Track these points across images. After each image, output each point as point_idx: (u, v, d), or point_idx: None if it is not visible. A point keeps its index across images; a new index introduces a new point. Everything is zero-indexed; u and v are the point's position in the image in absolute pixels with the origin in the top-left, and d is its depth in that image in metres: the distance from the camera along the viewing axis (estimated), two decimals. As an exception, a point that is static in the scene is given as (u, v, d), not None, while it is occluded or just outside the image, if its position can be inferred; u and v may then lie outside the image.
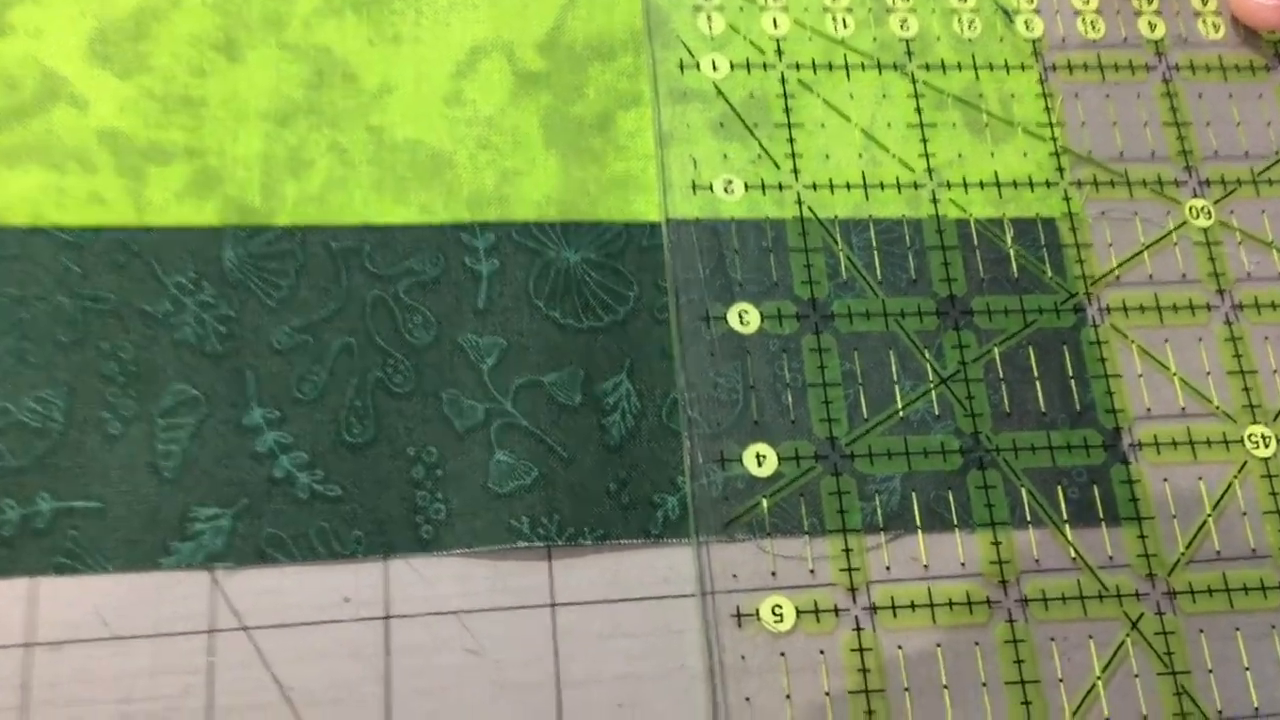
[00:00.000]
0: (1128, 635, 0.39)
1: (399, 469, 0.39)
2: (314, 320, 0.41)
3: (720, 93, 0.46)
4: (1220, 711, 0.39)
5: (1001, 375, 0.43)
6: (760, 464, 0.41)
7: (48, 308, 0.40)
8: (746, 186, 0.45)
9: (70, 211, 0.41)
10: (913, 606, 0.39)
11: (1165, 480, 0.41)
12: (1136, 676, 0.39)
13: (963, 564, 0.40)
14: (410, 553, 0.38)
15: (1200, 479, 0.42)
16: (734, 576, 0.39)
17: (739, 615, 0.39)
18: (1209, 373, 0.43)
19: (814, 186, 0.45)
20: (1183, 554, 0.41)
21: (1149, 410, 0.42)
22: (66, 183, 0.41)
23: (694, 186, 0.45)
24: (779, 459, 0.41)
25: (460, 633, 0.38)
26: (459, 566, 0.38)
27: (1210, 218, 0.47)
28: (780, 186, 0.45)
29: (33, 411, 0.38)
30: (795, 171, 0.45)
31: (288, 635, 0.37)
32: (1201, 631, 0.39)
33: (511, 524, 0.39)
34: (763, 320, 0.42)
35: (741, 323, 0.42)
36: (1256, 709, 0.39)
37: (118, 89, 0.43)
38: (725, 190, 0.45)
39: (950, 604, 0.39)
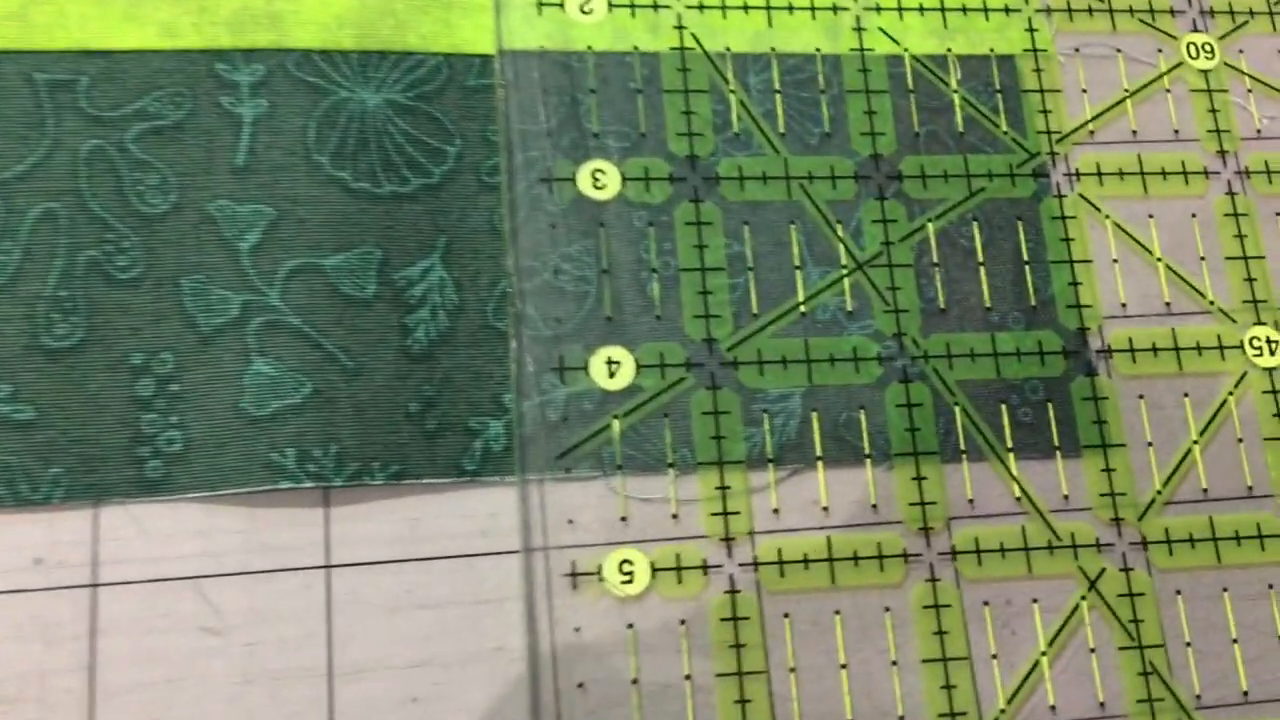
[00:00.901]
0: (1083, 598, 0.31)
1: (118, 383, 0.29)
2: (4, 179, 0.30)
3: (580, -120, 0.35)
4: (1199, 697, 0.31)
5: (936, 260, 0.33)
6: (612, 374, 0.31)
7: None
8: (610, 5, 0.34)
9: None
10: (806, 562, 0.30)
11: (1141, 398, 0.32)
12: (1093, 651, 0.30)
13: (874, 506, 0.31)
14: (130, 497, 0.29)
15: (1186, 396, 0.33)
16: (570, 524, 0.30)
17: (575, 575, 0.30)
18: (1204, 258, 0.34)
19: (700, 7, 0.34)
20: (1159, 493, 0.32)
21: (1124, 307, 0.33)
22: None
23: (539, 4, 0.33)
24: (637, 367, 0.31)
25: (197, 606, 0.28)
26: (198, 516, 0.29)
27: (1213, 58, 0.36)
28: (655, 6, 0.34)
29: None
30: (677, -13, 0.34)
31: (-45, 610, 0.27)
32: (1179, 593, 0.31)
33: (273, 458, 0.29)
34: (624, 184, 0.32)
35: (596, 187, 0.32)
36: (1245, 693, 0.31)
37: None
38: (581, 10, 0.34)
39: (855, 559, 0.30)
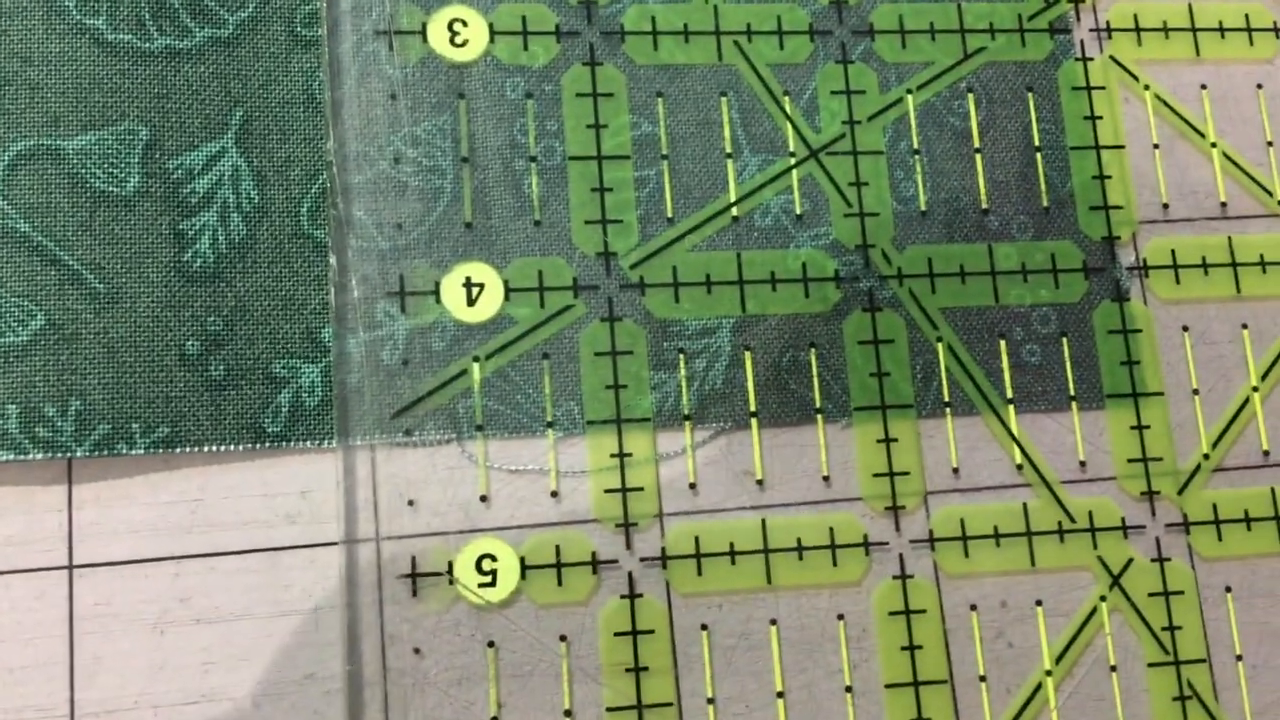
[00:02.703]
0: (1103, 599, 0.24)
1: None
2: None
3: None
4: (1250, 727, 0.23)
5: (917, 145, 0.25)
6: (473, 300, 0.23)
7: None
8: None
9: None
10: (733, 556, 0.23)
11: (1186, 330, 0.25)
12: (1114, 670, 0.24)
13: (826, 479, 0.23)
14: None
15: (1244, 328, 0.26)
16: (411, 505, 0.22)
17: (415, 575, 0.22)
18: (1271, 143, 0.26)
19: None
20: (1206, 457, 0.25)
21: (1166, 209, 0.26)
22: None
23: None
24: (506, 291, 0.23)
25: (-120, 623, 0.21)
26: None
27: (1292, -126, 0.28)
28: None
29: None
30: None
31: None
32: (1229, 591, 0.24)
33: (-12, 418, 0.21)
34: (493, 39, 0.24)
35: (455, 44, 0.24)
36: (1311, 723, 0.23)
37: None
38: None
39: (799, 549, 0.23)
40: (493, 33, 0.25)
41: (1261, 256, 0.26)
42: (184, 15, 0.24)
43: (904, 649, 0.24)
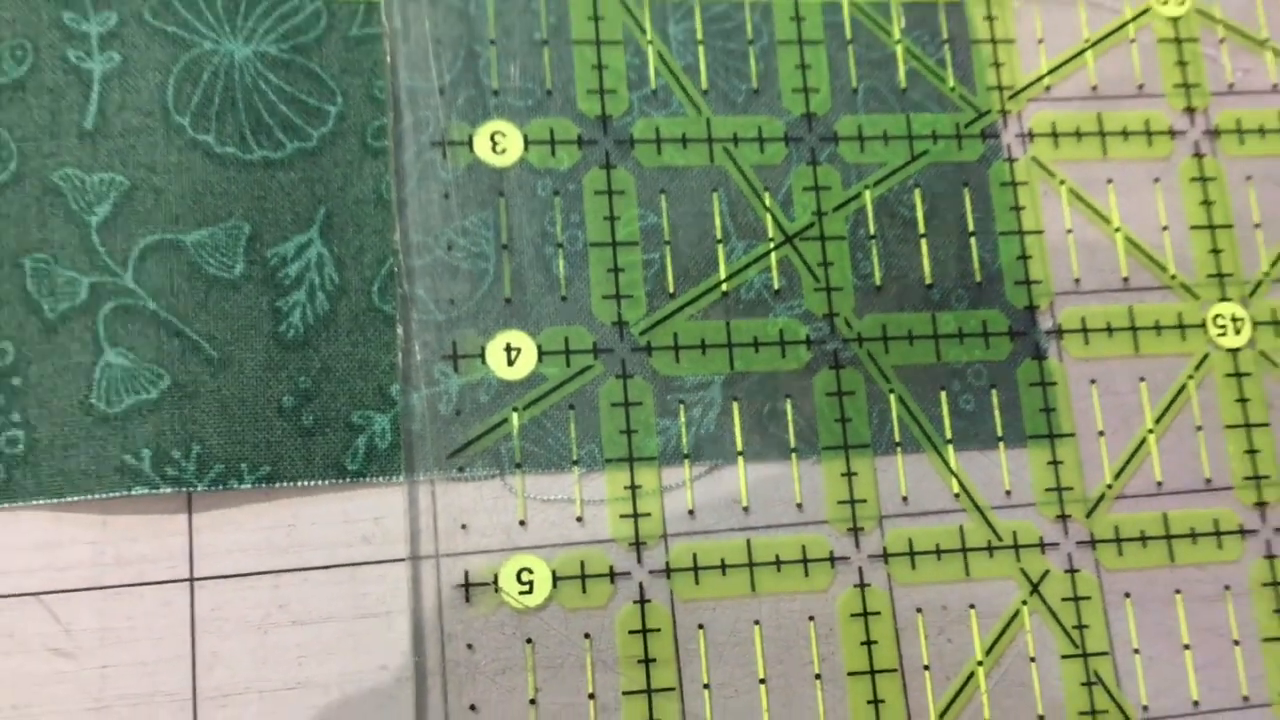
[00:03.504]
0: (1024, 603, 0.28)
1: (-50, 378, 0.26)
2: None
3: None
4: (1145, 707, 0.28)
5: (873, 231, 0.30)
6: (512, 361, 0.28)
7: None
8: (513, -55, 0.30)
9: None
10: (723, 568, 0.28)
11: (1093, 382, 0.30)
12: (1033, 660, 0.28)
13: (799, 506, 0.28)
14: None
15: (1142, 380, 0.30)
16: (464, 529, 0.27)
17: (468, 585, 0.27)
18: (1166, 228, 0.31)
19: (615, -53, 0.31)
20: (1110, 487, 0.29)
21: (1078, 282, 0.30)
22: None
23: (432, -57, 0.30)
24: (539, 354, 0.28)
25: (45, 625, 0.26)
26: (44, 525, 0.27)
27: (1184, 3, 0.33)
28: (564, -54, 0.30)
29: None
30: (589, -76, 0.31)
31: None
32: (1128, 596, 0.29)
33: (126, 461, 0.26)
34: (527, 148, 0.29)
35: (496, 151, 0.29)
36: (1196, 702, 0.28)
37: None
38: (480, -50, 0.30)
39: (778, 563, 0.28)
40: (526, 142, 0.30)
41: (1156, 321, 0.31)
42: (277, 131, 0.29)
43: (863, 644, 0.28)
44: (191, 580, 0.26)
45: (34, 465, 0.26)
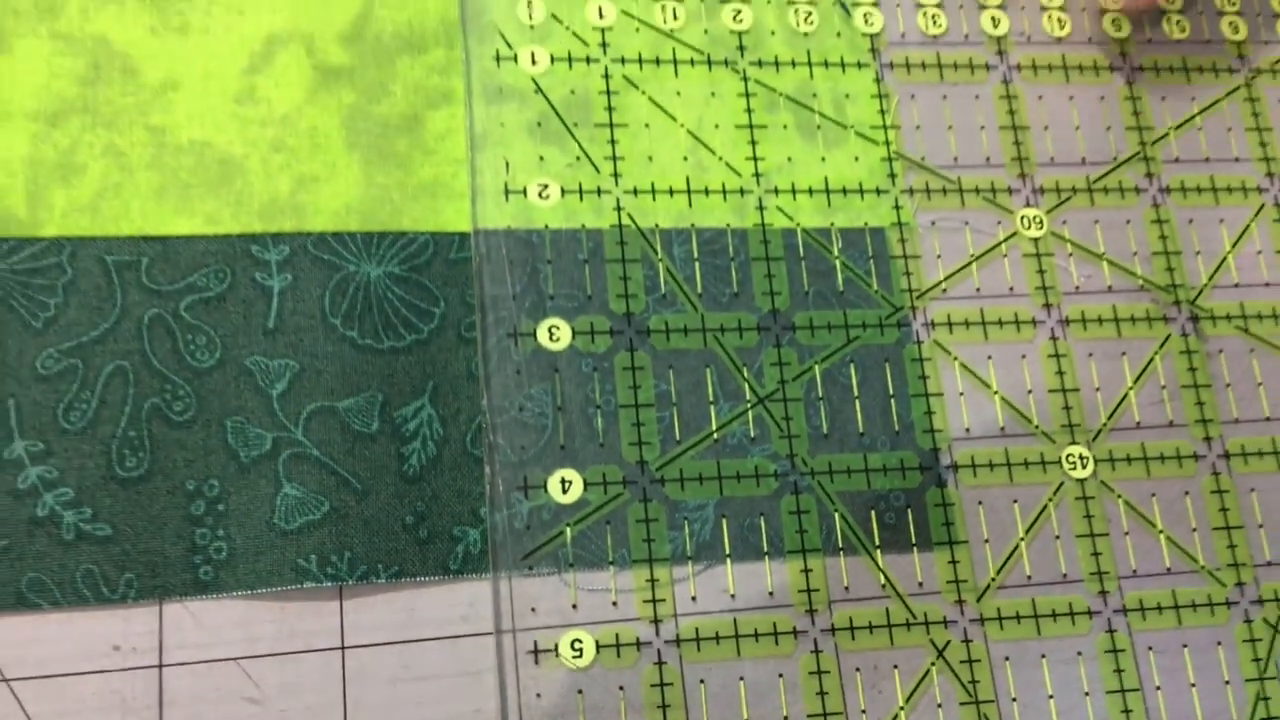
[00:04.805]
0: (933, 664, 0.39)
1: (176, 505, 0.37)
2: (83, 342, 0.38)
3: (539, 89, 0.44)
4: (1020, 740, 0.39)
5: (821, 394, 0.42)
6: (565, 490, 0.39)
7: None
8: (563, 192, 0.43)
9: None
10: (717, 639, 0.39)
11: (980, 504, 0.41)
12: (940, 706, 0.38)
13: (770, 593, 0.39)
14: (187, 595, 0.36)
15: (1015, 502, 0.41)
16: (533, 611, 0.38)
17: (536, 651, 0.37)
18: (1030, 391, 0.43)
19: (635, 192, 0.43)
20: (993, 580, 0.41)
21: (968, 431, 0.42)
22: None
23: (506, 192, 0.42)
24: (585, 484, 0.39)
25: (241, 681, 0.36)
26: (241, 610, 0.36)
27: (1042, 228, 0.46)
28: (599, 191, 0.43)
29: None
30: (616, 175, 0.43)
31: (50, 687, 0.35)
32: (1007, 659, 0.39)
33: (299, 563, 0.37)
34: (574, 336, 0.40)
35: (551, 339, 0.41)
36: (1056, 737, 0.39)
37: None
38: (540, 195, 0.42)
39: (756, 635, 0.39)
40: (574, 333, 0.41)
41: (1025, 459, 0.42)
42: (400, 328, 0.41)
43: (817, 694, 0.39)
44: (343, 648, 0.37)
45: (234, 567, 0.37)
